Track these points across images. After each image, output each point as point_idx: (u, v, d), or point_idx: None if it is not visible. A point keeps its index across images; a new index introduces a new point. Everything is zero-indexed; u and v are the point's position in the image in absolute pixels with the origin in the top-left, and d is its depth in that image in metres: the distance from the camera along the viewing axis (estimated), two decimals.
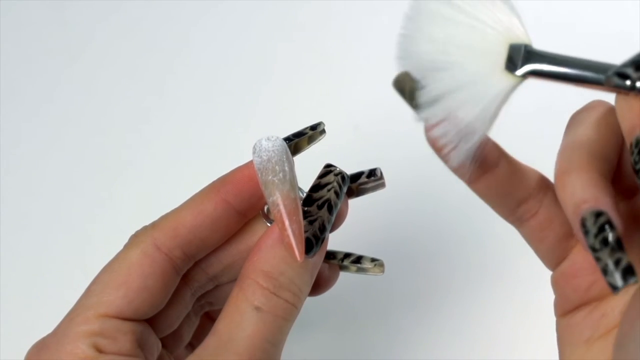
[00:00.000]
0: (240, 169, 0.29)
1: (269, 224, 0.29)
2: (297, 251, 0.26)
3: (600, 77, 0.23)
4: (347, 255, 0.31)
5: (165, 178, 0.47)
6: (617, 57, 0.50)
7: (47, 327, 0.27)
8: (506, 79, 0.23)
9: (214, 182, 0.29)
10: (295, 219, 0.26)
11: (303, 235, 0.26)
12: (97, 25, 0.54)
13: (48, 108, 0.51)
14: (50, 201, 0.47)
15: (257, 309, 0.26)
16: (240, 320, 0.26)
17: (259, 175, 0.27)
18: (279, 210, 0.26)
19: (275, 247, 0.27)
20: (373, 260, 0.31)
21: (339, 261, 0.31)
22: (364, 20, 0.52)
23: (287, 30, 0.52)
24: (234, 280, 0.31)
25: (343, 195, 0.29)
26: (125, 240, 0.28)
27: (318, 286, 0.31)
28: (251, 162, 0.28)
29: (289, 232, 0.26)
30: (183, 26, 0.54)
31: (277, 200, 0.26)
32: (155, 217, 0.29)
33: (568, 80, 0.24)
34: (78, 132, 0.50)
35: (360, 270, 0.31)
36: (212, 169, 0.45)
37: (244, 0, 0.53)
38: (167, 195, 0.45)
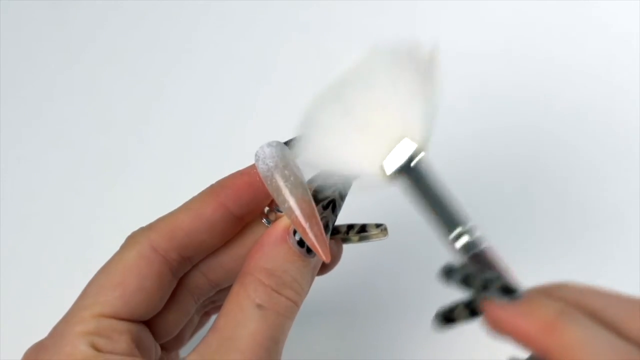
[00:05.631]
0: (239, 175, 0.29)
1: (267, 224, 0.29)
2: (323, 253, 0.26)
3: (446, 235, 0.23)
4: (350, 227, 0.30)
5: (167, 178, 0.47)
6: (617, 56, 0.50)
7: (47, 328, 0.27)
8: (380, 170, 0.24)
9: (212, 186, 0.29)
10: (315, 222, 0.26)
11: (325, 237, 0.26)
12: (98, 25, 0.54)
13: (48, 108, 0.51)
14: (50, 202, 0.47)
15: (259, 306, 0.26)
16: (242, 317, 0.26)
17: (267, 182, 0.27)
18: (296, 216, 0.26)
19: (277, 245, 0.27)
20: (378, 226, 0.31)
21: (343, 234, 0.31)
22: (366, 21, 0.52)
23: (289, 30, 0.52)
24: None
25: (345, 196, 0.29)
26: None
27: (325, 264, 0.30)
28: (250, 167, 0.28)
29: (311, 235, 0.26)
30: (185, 26, 0.54)
31: (293, 206, 0.26)
32: (156, 217, 0.29)
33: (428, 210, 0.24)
34: (78, 132, 0.50)
35: (363, 238, 0.31)
36: (214, 170, 0.45)
37: (246, 0, 0.53)
38: (168, 196, 0.45)
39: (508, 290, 0.22)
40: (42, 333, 0.27)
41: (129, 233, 0.28)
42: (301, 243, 0.27)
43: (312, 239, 0.26)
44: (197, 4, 0.54)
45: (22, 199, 0.47)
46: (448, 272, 0.23)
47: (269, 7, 0.53)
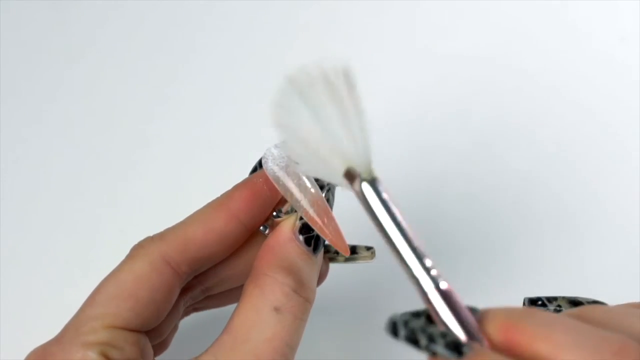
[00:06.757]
0: (247, 185, 0.28)
1: (264, 231, 0.29)
2: (342, 247, 0.27)
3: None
4: None
5: (169, 180, 0.47)
6: (617, 56, 0.50)
7: (47, 328, 0.27)
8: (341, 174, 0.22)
9: (220, 198, 0.28)
10: (331, 217, 0.27)
11: (341, 231, 0.26)
12: (99, 25, 0.54)
13: (49, 109, 0.51)
14: (51, 203, 0.47)
15: (277, 309, 0.25)
16: (257, 320, 0.25)
17: (279, 183, 0.27)
18: (311, 214, 0.27)
19: (290, 244, 0.27)
20: (368, 248, 0.31)
21: (332, 254, 0.31)
22: (366, 21, 0.52)
23: (289, 31, 0.52)
24: (224, 291, 0.31)
25: (334, 197, 0.29)
26: (127, 243, 0.28)
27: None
28: (254, 177, 0.28)
29: (327, 231, 0.26)
30: (186, 26, 0.54)
31: (307, 204, 0.27)
32: (158, 219, 0.28)
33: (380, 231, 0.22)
34: (79, 133, 0.50)
35: (350, 259, 0.31)
36: (217, 172, 0.45)
37: (249, 1, 0.53)
38: (170, 197, 0.46)
39: (455, 347, 0.21)
40: (42, 333, 0.27)
41: (130, 235, 0.28)
42: (307, 242, 0.27)
43: (329, 235, 0.26)
44: (198, 4, 0.54)
45: (23, 200, 0.47)
46: (393, 329, 0.21)
47: (270, 8, 0.53)
